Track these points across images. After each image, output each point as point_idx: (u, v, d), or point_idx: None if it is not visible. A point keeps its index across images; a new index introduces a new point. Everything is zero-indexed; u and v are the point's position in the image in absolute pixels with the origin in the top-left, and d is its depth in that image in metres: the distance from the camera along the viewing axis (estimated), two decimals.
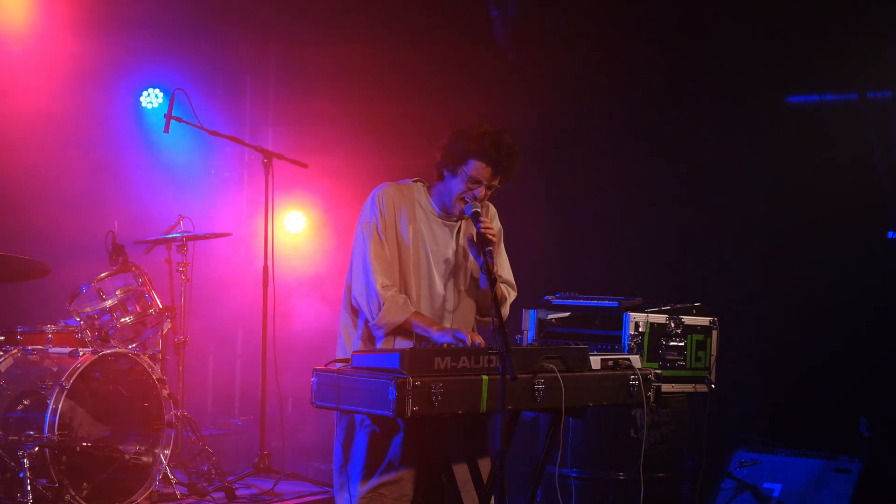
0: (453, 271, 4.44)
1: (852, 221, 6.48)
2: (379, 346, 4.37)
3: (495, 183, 4.36)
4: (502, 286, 4.48)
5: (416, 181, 4.50)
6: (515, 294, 4.59)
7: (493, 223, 4.52)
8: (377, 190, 4.44)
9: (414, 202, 4.44)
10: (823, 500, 5.66)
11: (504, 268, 4.57)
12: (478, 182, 4.32)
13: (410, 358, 3.82)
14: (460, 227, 4.47)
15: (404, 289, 4.38)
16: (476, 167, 4.31)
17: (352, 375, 3.95)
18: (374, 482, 4.26)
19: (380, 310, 4.30)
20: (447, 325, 4.40)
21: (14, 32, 7.10)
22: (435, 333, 4.26)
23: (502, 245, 4.60)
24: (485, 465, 4.34)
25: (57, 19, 7.27)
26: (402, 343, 4.33)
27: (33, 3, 7.18)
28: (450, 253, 4.44)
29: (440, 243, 4.44)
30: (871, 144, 6.59)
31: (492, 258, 4.20)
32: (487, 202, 4.52)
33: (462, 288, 4.45)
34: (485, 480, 4.28)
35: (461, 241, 4.46)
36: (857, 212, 6.49)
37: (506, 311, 4.48)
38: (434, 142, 4.47)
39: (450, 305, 4.42)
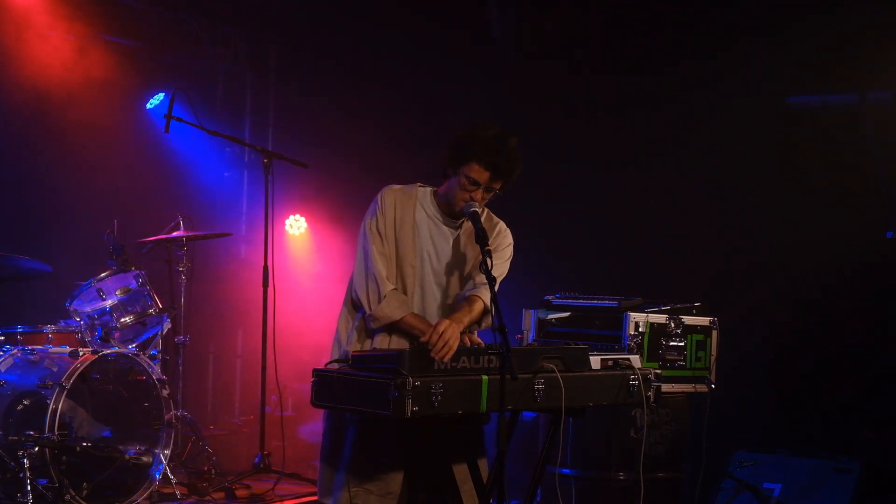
0: (448, 274, 4.43)
1: (852, 221, 6.48)
2: (374, 342, 4.36)
3: (496, 187, 4.33)
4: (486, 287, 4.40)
5: (421, 185, 4.51)
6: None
7: (499, 239, 4.48)
8: (382, 190, 4.47)
9: (416, 204, 4.45)
10: (823, 500, 5.66)
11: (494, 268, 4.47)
12: (475, 184, 4.30)
13: (410, 358, 3.83)
14: (461, 231, 4.47)
15: (400, 287, 4.39)
16: (474, 169, 4.28)
17: (351, 375, 3.96)
18: (360, 477, 4.26)
19: (379, 301, 4.30)
20: None
21: (13, 34, 7.11)
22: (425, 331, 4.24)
23: (506, 254, 4.50)
24: (483, 465, 4.33)
25: (56, 19, 7.28)
26: (398, 342, 4.33)
27: (34, 3, 7.18)
28: (448, 256, 4.44)
29: (439, 246, 4.44)
30: (870, 144, 6.58)
31: (490, 256, 4.18)
32: (500, 221, 4.51)
33: (456, 291, 4.44)
34: (484, 480, 4.27)
35: (462, 244, 4.46)
36: (857, 212, 6.48)
37: (487, 321, 4.39)
38: (434, 141, 4.47)
39: (441, 309, 4.42)
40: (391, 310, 4.31)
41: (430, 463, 4.38)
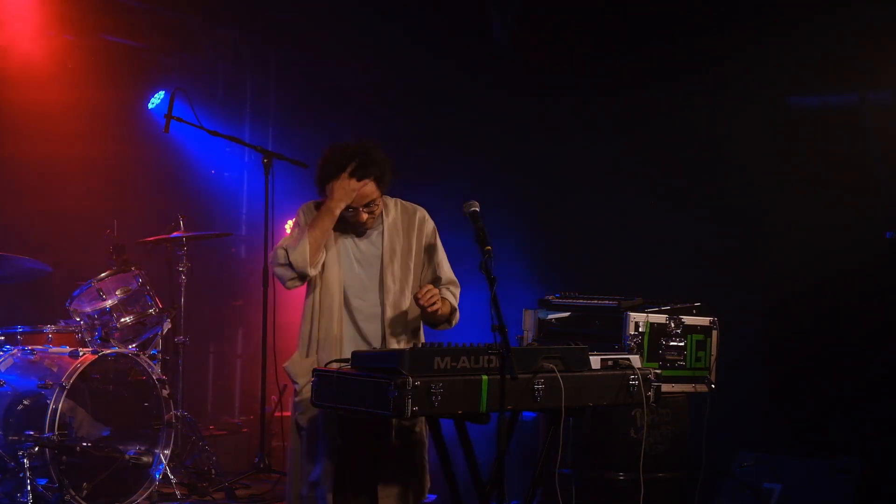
0: (382, 275, 4.43)
1: (852, 221, 6.47)
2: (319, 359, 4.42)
3: (369, 201, 4.33)
4: (449, 290, 4.45)
5: None
6: (459, 289, 4.56)
7: (426, 226, 4.51)
8: (300, 208, 4.50)
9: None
10: (824, 500, 5.66)
11: (444, 267, 4.54)
12: (352, 210, 4.33)
13: (411, 358, 3.83)
14: (384, 226, 4.45)
15: (343, 301, 4.41)
16: None
17: (352, 375, 3.96)
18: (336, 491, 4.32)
19: (287, 255, 4.33)
20: (388, 329, 4.40)
21: (14, 34, 7.11)
22: (330, 207, 4.31)
23: (440, 243, 4.55)
24: (385, 492, 4.33)
25: (56, 19, 7.28)
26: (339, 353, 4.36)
27: (35, 3, 7.19)
28: (378, 257, 4.44)
29: (364, 251, 4.44)
30: (870, 145, 6.58)
31: (490, 257, 4.17)
32: (417, 208, 4.52)
33: (398, 287, 4.43)
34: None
35: (387, 238, 4.44)
36: (856, 212, 6.48)
37: (455, 318, 4.47)
38: (435, 140, 4.46)
39: (390, 308, 4.41)
40: (299, 247, 4.31)
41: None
